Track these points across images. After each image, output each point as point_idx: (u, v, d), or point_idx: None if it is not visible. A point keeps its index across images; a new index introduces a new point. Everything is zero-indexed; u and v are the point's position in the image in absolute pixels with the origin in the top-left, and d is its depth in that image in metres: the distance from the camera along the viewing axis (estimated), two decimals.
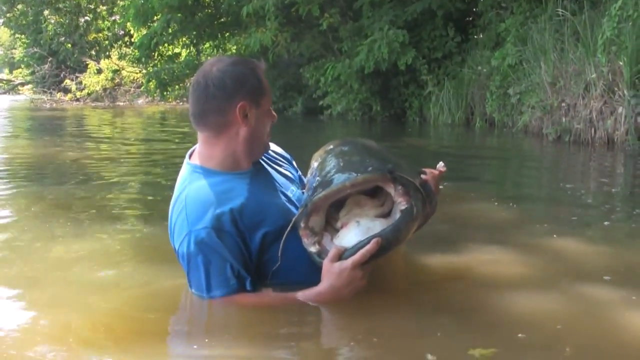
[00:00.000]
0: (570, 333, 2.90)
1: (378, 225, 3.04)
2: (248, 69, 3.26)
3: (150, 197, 6.58)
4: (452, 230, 4.85)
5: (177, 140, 14.07)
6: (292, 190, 3.51)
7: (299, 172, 3.85)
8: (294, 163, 3.85)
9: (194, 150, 3.45)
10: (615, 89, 11.16)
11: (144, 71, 30.58)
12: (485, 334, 2.90)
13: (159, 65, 26.14)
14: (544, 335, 2.88)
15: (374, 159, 3.27)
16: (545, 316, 3.09)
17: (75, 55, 38.45)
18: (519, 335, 2.85)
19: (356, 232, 3.04)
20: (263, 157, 3.52)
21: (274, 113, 3.42)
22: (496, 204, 6.07)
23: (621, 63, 10.92)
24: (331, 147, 3.65)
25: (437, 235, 4.34)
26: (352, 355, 2.82)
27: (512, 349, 2.76)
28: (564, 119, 12.24)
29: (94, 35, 38.96)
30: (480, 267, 3.74)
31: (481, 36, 18.18)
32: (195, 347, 2.84)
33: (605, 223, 5.22)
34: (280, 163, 3.69)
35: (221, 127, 3.24)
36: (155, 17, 24.09)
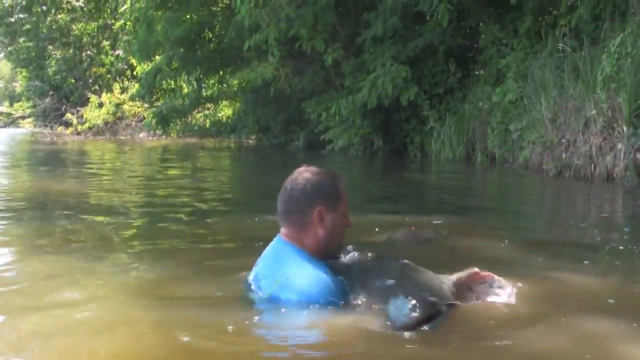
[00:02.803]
0: None
1: None
2: (328, 179, 3.87)
3: (151, 232, 6.61)
4: (451, 263, 4.86)
5: (177, 174, 14.10)
6: None
7: None
8: None
9: None
10: (615, 125, 11.23)
11: (146, 105, 30.69)
12: None
13: (161, 100, 26.23)
14: None
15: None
16: (543, 351, 3.12)
17: (78, 90, 38.57)
18: None
19: None
20: None
21: (349, 219, 3.94)
22: (495, 238, 6.10)
23: (620, 100, 10.98)
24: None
25: (435, 268, 4.37)
26: None
27: None
28: (564, 155, 12.30)
29: (97, 69, 39.10)
30: (477, 301, 3.77)
31: (482, 72, 18.26)
32: None
33: (605, 258, 5.26)
34: None
35: (302, 226, 3.80)
36: (158, 53, 24.23)
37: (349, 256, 4.01)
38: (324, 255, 3.84)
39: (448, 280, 3.82)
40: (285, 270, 3.67)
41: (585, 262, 5.10)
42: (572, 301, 4.01)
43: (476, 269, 3.91)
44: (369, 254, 4.02)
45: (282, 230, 3.90)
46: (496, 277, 3.85)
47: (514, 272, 4.41)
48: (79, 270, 4.68)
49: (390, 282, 3.61)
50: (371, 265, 3.86)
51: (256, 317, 3.60)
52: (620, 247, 5.71)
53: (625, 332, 3.37)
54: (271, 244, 3.94)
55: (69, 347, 3.18)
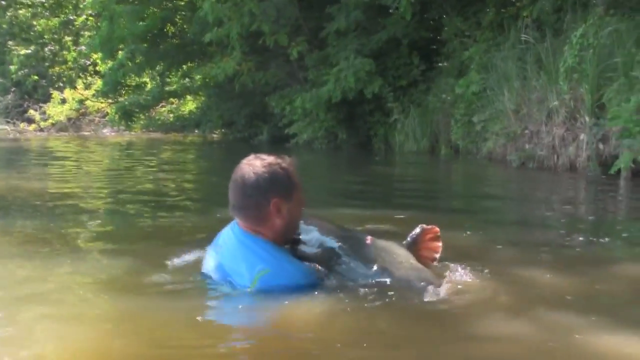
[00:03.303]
0: (533, 357, 2.93)
1: None
2: (279, 168, 3.80)
3: (117, 230, 6.57)
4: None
5: (142, 169, 14.02)
6: None
7: None
8: None
9: None
10: (577, 115, 11.29)
11: (109, 101, 30.51)
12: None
13: (124, 96, 26.09)
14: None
15: None
16: (508, 340, 3.13)
17: (42, 87, 38.28)
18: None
19: None
20: None
21: (303, 199, 3.94)
22: (459, 230, 6.10)
23: (582, 90, 11.05)
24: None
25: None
26: None
27: None
28: (527, 146, 12.36)
29: (60, 67, 38.82)
30: (439, 288, 3.76)
31: (445, 64, 18.30)
32: None
33: (567, 248, 5.27)
34: None
35: (259, 219, 3.79)
36: (121, 48, 24.09)
37: (311, 238, 4.05)
38: (285, 240, 3.89)
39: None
40: (263, 265, 3.69)
41: (549, 253, 5.11)
42: (535, 292, 4.01)
43: (422, 225, 4.14)
44: (329, 236, 4.06)
45: (239, 221, 3.89)
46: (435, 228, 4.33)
47: (477, 264, 4.42)
48: (42, 267, 4.63)
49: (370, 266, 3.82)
50: (338, 247, 3.94)
51: (230, 310, 3.67)
52: (581, 238, 5.73)
53: (588, 322, 3.37)
54: (229, 232, 3.92)
55: (38, 341, 3.15)
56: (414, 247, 4.24)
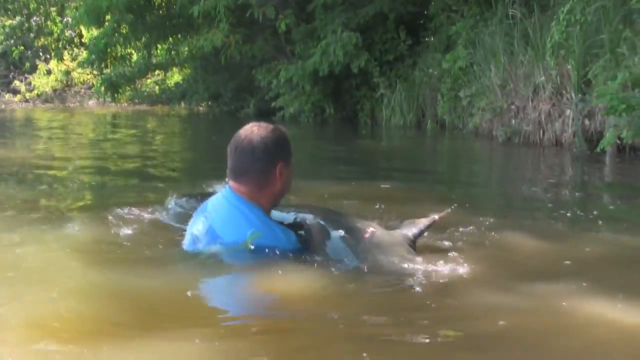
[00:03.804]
0: (513, 328, 2.96)
1: None
2: (283, 133, 3.94)
3: (101, 198, 6.58)
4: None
5: (128, 141, 14.01)
6: None
7: None
8: None
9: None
10: (564, 91, 11.33)
11: (95, 72, 30.35)
12: (430, 328, 2.96)
13: (110, 68, 25.93)
14: (487, 329, 2.94)
15: None
16: (489, 311, 3.16)
17: (27, 58, 38.03)
18: (462, 331, 2.92)
19: None
20: None
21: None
22: (445, 202, 6.12)
23: (569, 66, 11.07)
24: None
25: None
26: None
27: (455, 342, 2.83)
28: (513, 121, 12.40)
29: (45, 38, 38.55)
30: (427, 264, 3.79)
31: (432, 39, 18.27)
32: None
33: (551, 222, 5.31)
34: None
35: (263, 183, 3.85)
36: (107, 18, 23.91)
37: (298, 216, 4.06)
38: (273, 206, 3.98)
39: (410, 241, 4.01)
40: (255, 229, 3.74)
41: (536, 226, 5.16)
42: (522, 263, 4.06)
43: (436, 216, 4.07)
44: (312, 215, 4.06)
45: (235, 185, 3.90)
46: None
47: (464, 236, 4.45)
48: (27, 236, 4.63)
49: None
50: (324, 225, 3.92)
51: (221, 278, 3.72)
52: (568, 213, 5.76)
53: (575, 290, 3.42)
54: (221, 199, 3.95)
55: (24, 313, 3.15)
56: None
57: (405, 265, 3.68)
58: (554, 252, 4.35)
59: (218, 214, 3.87)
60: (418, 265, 3.70)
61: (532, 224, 5.23)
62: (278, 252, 3.72)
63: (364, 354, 2.65)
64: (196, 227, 3.95)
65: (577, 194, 7.31)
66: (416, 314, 3.13)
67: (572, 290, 3.43)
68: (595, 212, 5.81)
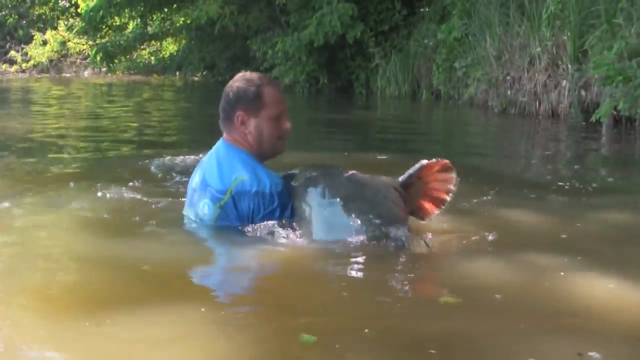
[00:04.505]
0: (511, 300, 2.98)
1: None
2: (251, 84, 3.97)
3: (99, 168, 6.58)
4: None
5: (123, 114, 13.99)
6: None
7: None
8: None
9: None
10: (559, 62, 11.33)
11: (91, 42, 30.23)
12: (415, 305, 2.98)
13: (106, 37, 25.83)
14: (485, 299, 2.96)
15: None
16: (494, 283, 3.17)
17: (23, 28, 37.82)
18: (461, 300, 2.94)
19: None
20: None
21: (283, 123, 4.01)
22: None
23: (565, 37, 11.07)
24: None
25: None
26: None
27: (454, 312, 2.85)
28: (509, 92, 12.41)
29: (41, 7, 38.33)
30: (416, 235, 3.79)
31: (427, 9, 18.24)
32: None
33: (551, 194, 5.32)
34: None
35: (230, 129, 4.00)
36: None
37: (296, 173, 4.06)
38: (263, 157, 4.03)
39: (396, 185, 3.92)
40: (239, 174, 3.85)
41: (532, 198, 5.17)
42: (519, 235, 4.07)
43: (424, 161, 3.93)
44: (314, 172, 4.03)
45: (223, 132, 4.07)
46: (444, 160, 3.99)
47: (462, 208, 4.46)
48: (23, 209, 4.64)
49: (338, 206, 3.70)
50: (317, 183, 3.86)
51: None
52: (565, 184, 5.78)
53: (573, 264, 3.43)
54: (215, 147, 4.08)
55: (27, 285, 3.17)
56: (420, 184, 3.99)
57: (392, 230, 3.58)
58: (552, 224, 4.37)
59: (209, 162, 3.99)
60: (401, 232, 3.60)
61: (529, 196, 5.24)
62: (261, 216, 3.82)
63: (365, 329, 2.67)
64: (194, 179, 4.07)
65: (574, 166, 7.32)
66: (410, 281, 3.16)
67: (570, 263, 3.45)
68: (592, 184, 5.83)
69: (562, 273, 3.26)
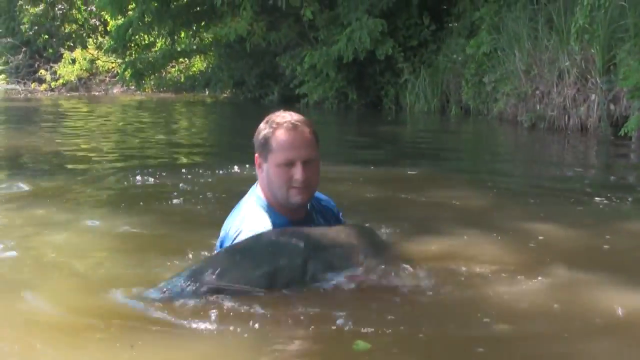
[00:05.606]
0: (542, 314, 3.02)
1: None
2: (268, 126, 3.67)
3: (129, 189, 6.65)
4: (429, 216, 4.94)
5: (152, 131, 14.10)
6: None
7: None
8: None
9: None
10: (588, 76, 11.33)
11: (119, 60, 30.41)
12: (461, 318, 3.03)
13: (134, 55, 26.01)
14: (517, 316, 3.00)
15: None
16: (518, 298, 3.21)
17: (52, 46, 38.14)
18: (493, 318, 2.98)
19: None
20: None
21: (294, 174, 3.61)
22: (473, 189, 6.17)
23: (593, 51, 11.07)
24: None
25: (414, 220, 4.43)
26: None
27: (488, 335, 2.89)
28: (538, 106, 12.41)
29: (70, 26, 38.65)
30: (455, 252, 3.83)
31: (456, 24, 18.26)
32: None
33: (579, 208, 5.35)
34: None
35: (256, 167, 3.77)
36: (130, 7, 24.02)
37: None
38: (279, 205, 3.72)
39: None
40: (227, 223, 3.80)
41: (561, 212, 5.19)
42: (546, 249, 4.09)
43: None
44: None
45: None
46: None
47: (494, 222, 4.50)
48: (57, 221, 4.72)
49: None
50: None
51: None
52: (593, 198, 5.79)
53: (599, 279, 3.46)
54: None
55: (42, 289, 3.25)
56: None
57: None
58: (579, 238, 4.40)
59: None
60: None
61: (557, 210, 5.27)
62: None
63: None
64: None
65: (601, 178, 7.33)
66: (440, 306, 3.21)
67: (596, 278, 3.48)
68: (621, 198, 5.82)
69: (588, 290, 3.30)
